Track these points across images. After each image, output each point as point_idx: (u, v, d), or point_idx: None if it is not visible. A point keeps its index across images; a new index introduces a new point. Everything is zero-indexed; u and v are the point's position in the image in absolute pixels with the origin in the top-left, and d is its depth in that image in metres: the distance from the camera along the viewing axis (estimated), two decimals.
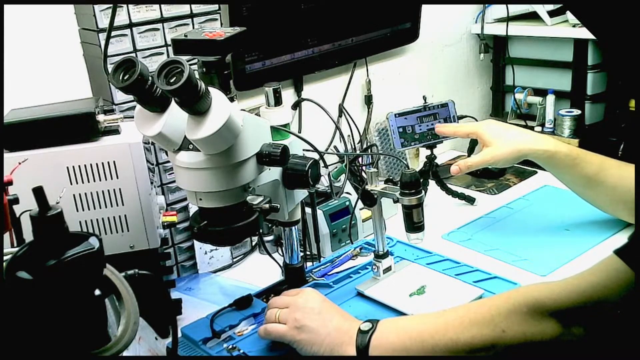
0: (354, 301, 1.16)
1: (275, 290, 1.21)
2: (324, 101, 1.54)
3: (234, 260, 1.44)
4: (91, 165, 1.02)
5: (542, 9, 1.97)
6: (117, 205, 1.05)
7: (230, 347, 1.05)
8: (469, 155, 1.70)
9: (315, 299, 1.01)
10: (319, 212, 1.39)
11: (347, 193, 1.47)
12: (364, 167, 1.71)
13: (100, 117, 1.04)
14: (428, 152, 1.60)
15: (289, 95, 1.66)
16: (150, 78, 0.85)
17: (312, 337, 0.96)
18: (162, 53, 1.28)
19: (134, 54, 1.24)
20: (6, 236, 0.83)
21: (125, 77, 0.85)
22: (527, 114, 2.06)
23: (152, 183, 1.12)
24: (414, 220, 1.11)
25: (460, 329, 0.86)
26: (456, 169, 1.35)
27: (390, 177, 1.34)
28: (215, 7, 1.33)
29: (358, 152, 1.78)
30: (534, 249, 1.33)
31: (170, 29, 1.28)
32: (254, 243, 1.49)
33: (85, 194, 1.03)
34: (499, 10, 2.04)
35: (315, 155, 1.10)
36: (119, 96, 1.24)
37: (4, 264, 0.64)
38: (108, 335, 0.70)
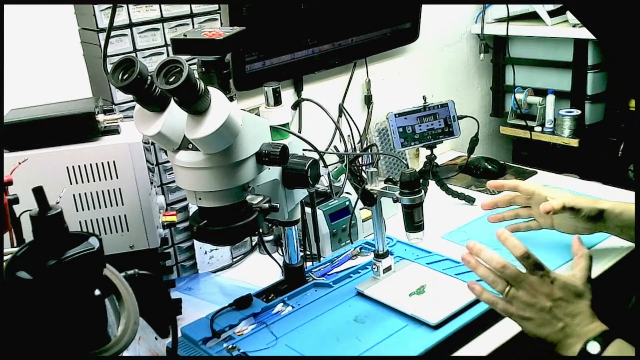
0: (354, 301, 1.16)
1: (275, 290, 1.21)
2: (324, 101, 1.54)
3: (234, 260, 1.44)
4: (91, 165, 1.02)
5: (542, 9, 1.96)
6: (117, 205, 1.05)
7: (230, 346, 1.05)
8: (468, 156, 1.70)
9: (547, 299, 1.01)
10: (319, 212, 1.39)
11: (347, 193, 1.47)
12: (364, 167, 1.71)
13: (100, 117, 1.05)
14: (428, 152, 1.60)
15: (289, 95, 1.66)
16: (149, 77, 0.85)
17: (538, 331, 0.97)
18: (162, 53, 1.28)
19: (133, 54, 1.24)
20: (6, 236, 0.83)
21: (125, 77, 0.85)
22: (527, 114, 2.06)
23: (152, 183, 1.12)
24: (414, 219, 1.11)
25: None
26: (548, 207, 1.24)
27: (390, 177, 1.34)
28: (215, 7, 1.33)
29: (358, 152, 1.78)
30: (534, 249, 1.32)
31: (170, 29, 1.28)
32: (254, 243, 1.49)
33: (85, 194, 1.03)
34: (499, 10, 2.03)
35: (315, 155, 1.10)
36: (119, 96, 1.24)
37: (4, 264, 0.64)
38: (108, 335, 0.70)
